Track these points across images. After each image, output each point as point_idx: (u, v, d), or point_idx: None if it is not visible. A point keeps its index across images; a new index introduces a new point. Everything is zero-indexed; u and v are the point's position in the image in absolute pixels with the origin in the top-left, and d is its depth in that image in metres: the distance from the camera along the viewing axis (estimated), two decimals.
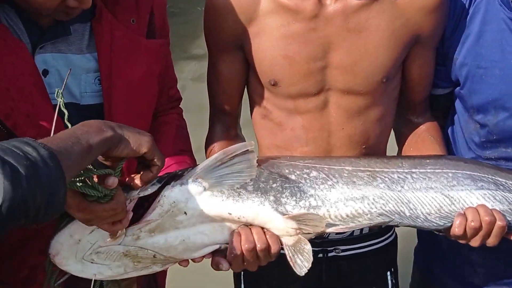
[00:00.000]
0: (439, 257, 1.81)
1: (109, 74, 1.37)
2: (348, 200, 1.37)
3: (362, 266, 1.74)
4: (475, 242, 1.35)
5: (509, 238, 1.37)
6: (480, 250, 1.58)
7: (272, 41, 1.50)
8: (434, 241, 1.81)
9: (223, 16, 1.51)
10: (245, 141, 1.68)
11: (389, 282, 1.78)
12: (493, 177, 1.41)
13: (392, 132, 1.74)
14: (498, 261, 1.67)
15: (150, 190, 1.27)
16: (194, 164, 1.49)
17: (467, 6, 1.53)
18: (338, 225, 1.36)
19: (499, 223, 1.31)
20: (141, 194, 1.25)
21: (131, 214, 1.25)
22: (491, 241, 1.34)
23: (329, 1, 1.45)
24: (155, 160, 1.19)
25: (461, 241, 1.37)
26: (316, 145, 1.59)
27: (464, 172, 1.41)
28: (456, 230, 1.33)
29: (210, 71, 1.66)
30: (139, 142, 1.16)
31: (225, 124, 1.69)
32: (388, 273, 1.77)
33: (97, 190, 1.09)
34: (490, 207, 1.34)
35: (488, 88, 1.52)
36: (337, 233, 1.63)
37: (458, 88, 1.60)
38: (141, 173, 1.22)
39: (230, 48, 1.56)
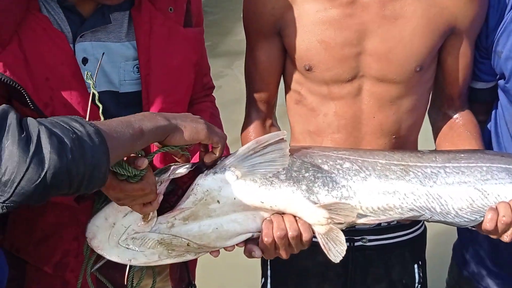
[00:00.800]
0: (478, 254, 1.80)
1: (148, 62, 1.39)
2: (380, 193, 1.37)
3: (389, 257, 1.75)
4: (506, 238, 1.33)
5: None
6: None
7: (309, 26, 1.52)
8: (474, 238, 1.77)
9: (263, 2, 1.55)
10: (279, 130, 1.70)
11: (416, 275, 1.78)
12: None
13: (426, 125, 1.74)
14: None
15: (179, 173, 1.29)
16: (226, 151, 1.51)
17: None
18: (369, 216, 1.37)
19: None
20: (172, 177, 1.28)
21: (161, 197, 1.27)
22: None
23: None
24: (215, 142, 1.23)
25: (492, 236, 1.36)
26: (347, 132, 1.61)
27: (499, 165, 1.39)
28: (488, 225, 1.32)
29: (248, 59, 1.69)
30: (195, 130, 1.20)
31: (261, 113, 1.72)
32: (416, 266, 1.78)
33: (126, 170, 1.13)
34: None
35: None
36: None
37: (503, 82, 1.58)
38: (205, 155, 1.26)
39: (269, 34, 1.58)
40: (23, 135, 0.93)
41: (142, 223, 1.31)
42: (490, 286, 1.83)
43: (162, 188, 1.29)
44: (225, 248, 1.39)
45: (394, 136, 1.62)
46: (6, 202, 0.93)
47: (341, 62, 1.54)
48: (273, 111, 1.77)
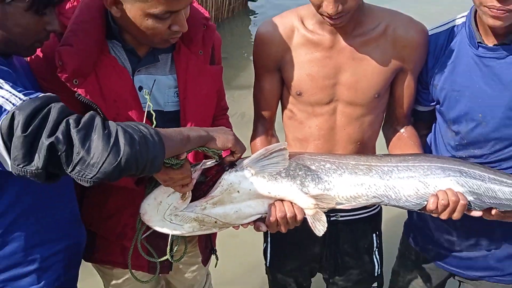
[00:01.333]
0: (421, 230, 2.04)
1: (185, 90, 1.62)
2: (351, 185, 1.58)
3: (355, 228, 2.00)
4: (444, 216, 1.55)
5: (469, 214, 1.58)
6: (453, 226, 1.86)
7: (300, 64, 1.77)
8: (419, 218, 2.04)
9: (268, 46, 1.80)
10: (278, 139, 1.95)
11: (374, 242, 2.05)
12: (459, 167, 1.59)
13: (382, 136, 1.98)
14: (466, 232, 1.89)
15: (208, 165, 1.50)
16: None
17: (444, 46, 1.75)
18: (344, 203, 1.58)
19: (461, 202, 1.52)
20: (203, 167, 1.49)
21: (194, 181, 1.47)
22: (456, 216, 1.55)
23: (341, 38, 1.72)
24: (237, 150, 1.47)
25: (433, 215, 1.58)
26: (325, 139, 1.85)
27: (436, 164, 1.60)
28: (431, 206, 1.53)
29: (256, 87, 1.92)
30: (226, 140, 1.43)
31: (264, 127, 1.96)
32: (374, 235, 2.05)
33: (171, 160, 1.33)
34: (455, 190, 1.54)
35: (460, 105, 1.73)
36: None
37: (438, 106, 1.82)
38: (225, 156, 1.51)
39: (272, 69, 1.84)
40: (105, 132, 1.10)
41: (181, 201, 1.49)
42: (427, 252, 2.05)
43: (195, 175, 1.49)
44: (242, 225, 1.58)
45: (358, 143, 1.86)
46: (93, 178, 1.08)
47: (322, 90, 1.78)
48: (273, 126, 2.00)
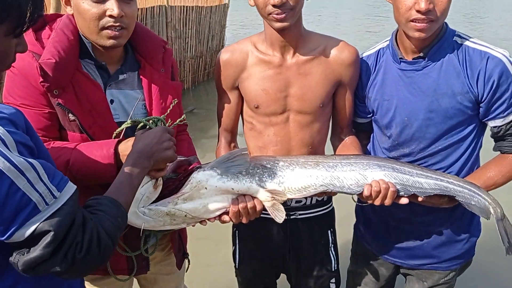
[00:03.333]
0: (369, 226, 2.21)
1: (151, 102, 1.74)
2: (302, 177, 1.72)
3: (312, 225, 2.14)
4: (377, 202, 1.71)
5: (398, 202, 1.73)
6: (395, 219, 2.03)
7: (255, 81, 1.95)
8: (365, 216, 2.22)
9: (227, 68, 1.98)
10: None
11: (330, 238, 2.20)
12: (392, 165, 1.77)
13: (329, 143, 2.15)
14: (406, 224, 2.04)
15: (179, 159, 1.64)
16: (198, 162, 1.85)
17: (374, 64, 1.98)
18: (296, 193, 1.70)
19: (391, 189, 1.69)
20: (176, 160, 1.63)
21: (168, 168, 1.62)
22: (387, 202, 1.71)
23: (288, 57, 1.92)
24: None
25: (368, 201, 1.73)
26: (282, 145, 2.02)
27: (374, 162, 1.78)
28: (365, 192, 1.70)
29: (218, 104, 2.09)
30: (165, 159, 1.54)
31: (227, 139, 2.14)
32: (329, 231, 2.20)
33: None
34: (387, 180, 1.71)
35: (390, 112, 1.92)
36: (296, 201, 2.01)
37: (373, 115, 2.02)
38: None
39: (231, 88, 2.02)
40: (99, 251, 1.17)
41: (153, 189, 1.56)
42: (374, 248, 2.19)
43: (169, 167, 1.63)
44: (209, 219, 1.68)
45: (310, 147, 2.03)
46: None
47: (276, 102, 1.95)
48: (235, 138, 2.18)
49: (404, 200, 1.74)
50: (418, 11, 1.71)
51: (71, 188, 1.16)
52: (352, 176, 1.75)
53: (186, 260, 2.06)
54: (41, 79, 1.55)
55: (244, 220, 1.70)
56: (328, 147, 2.17)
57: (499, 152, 1.92)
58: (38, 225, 1.07)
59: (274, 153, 2.02)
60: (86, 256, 1.13)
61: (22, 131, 1.13)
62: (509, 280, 3.53)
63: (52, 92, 1.57)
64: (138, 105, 1.74)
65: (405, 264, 2.15)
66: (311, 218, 2.13)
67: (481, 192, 1.82)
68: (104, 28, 1.59)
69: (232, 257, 2.29)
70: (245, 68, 1.98)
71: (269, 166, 1.74)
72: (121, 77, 1.72)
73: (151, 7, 7.37)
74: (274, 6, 1.76)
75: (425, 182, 1.78)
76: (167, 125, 1.67)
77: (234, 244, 2.26)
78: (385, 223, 2.12)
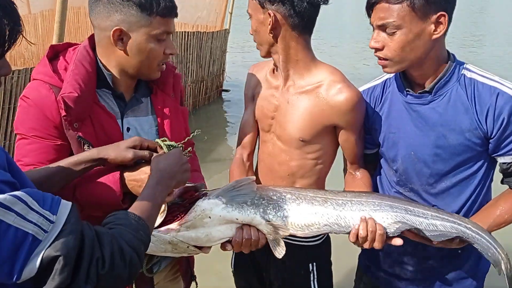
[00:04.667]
0: (373, 261, 2.16)
1: (163, 127, 1.81)
2: (307, 214, 1.70)
3: (294, 253, 2.02)
4: (365, 245, 1.69)
5: (391, 243, 1.70)
6: (403, 254, 1.99)
7: (260, 96, 2.10)
8: (371, 250, 2.04)
9: (249, 81, 2.17)
10: (253, 170, 2.20)
11: (311, 271, 2.14)
12: (405, 206, 1.76)
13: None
14: (413, 260, 2.01)
15: (188, 186, 1.65)
16: (203, 179, 1.93)
17: (380, 95, 1.96)
18: (298, 231, 1.70)
19: (379, 232, 1.65)
20: (182, 187, 1.63)
21: (174, 194, 1.62)
22: (376, 245, 1.67)
23: (288, 83, 1.98)
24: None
25: (358, 246, 1.72)
26: (266, 162, 2.13)
27: (386, 202, 1.75)
28: (351, 238, 1.70)
29: (243, 117, 2.20)
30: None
31: (242, 156, 2.19)
32: (311, 264, 2.14)
33: None
34: (385, 221, 1.68)
35: (397, 145, 1.90)
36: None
37: (380, 148, 1.99)
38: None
39: (249, 100, 2.17)
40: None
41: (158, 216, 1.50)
42: (379, 280, 2.15)
43: (176, 192, 1.63)
44: (209, 247, 1.67)
45: (288, 174, 2.04)
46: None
47: (265, 120, 2.07)
48: (251, 155, 2.21)
49: (398, 241, 1.70)
50: (371, 48, 1.75)
51: (66, 206, 1.11)
52: (359, 216, 1.71)
53: (194, 283, 2.07)
54: (64, 113, 1.58)
55: (245, 251, 1.70)
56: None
57: (507, 186, 1.90)
58: (43, 255, 1.03)
59: (263, 165, 2.12)
60: (111, 272, 1.09)
61: (3, 169, 1.08)
62: None
63: (72, 125, 1.60)
64: (151, 131, 1.80)
65: None
66: (294, 245, 2.07)
67: (497, 246, 1.79)
68: (163, 63, 1.74)
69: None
70: (260, 84, 2.11)
71: (275, 198, 1.72)
72: (136, 104, 1.78)
73: None
74: None
75: (441, 224, 1.74)
76: (183, 152, 1.67)
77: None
78: (393, 256, 2.09)
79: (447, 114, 1.80)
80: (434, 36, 1.72)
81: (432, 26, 1.70)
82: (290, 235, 1.74)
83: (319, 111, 1.92)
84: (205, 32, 8.90)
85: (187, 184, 1.66)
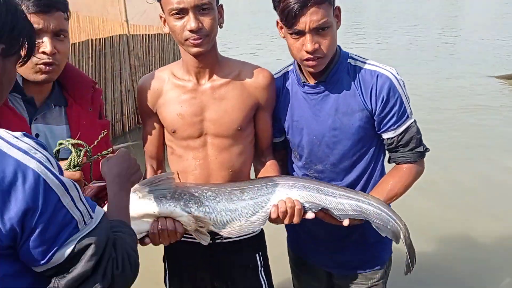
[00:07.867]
0: (299, 239, 2.32)
1: (78, 139, 1.67)
2: (227, 211, 1.75)
3: (239, 249, 2.11)
4: (286, 221, 1.78)
5: (306, 218, 1.80)
6: (318, 234, 2.13)
7: (171, 106, 1.97)
8: (294, 230, 2.30)
9: (145, 94, 2.02)
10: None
11: (259, 262, 2.16)
12: (316, 186, 1.87)
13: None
14: (327, 238, 2.16)
15: (100, 184, 1.61)
16: None
17: (281, 87, 2.07)
18: (220, 228, 1.74)
19: (297, 207, 1.76)
20: (96, 185, 1.62)
21: (92, 192, 1.60)
22: (295, 220, 1.77)
23: (203, 81, 1.95)
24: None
25: (278, 223, 1.81)
26: (201, 170, 2.02)
27: (299, 183, 1.86)
28: (272, 215, 1.79)
29: (143, 132, 2.10)
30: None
31: (153, 166, 2.14)
32: (257, 255, 2.16)
33: (73, 164, 1.54)
34: (301, 199, 1.78)
35: (301, 133, 2.03)
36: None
37: (286, 135, 2.11)
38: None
39: (150, 113, 2.04)
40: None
41: None
42: (308, 258, 2.30)
43: (91, 192, 1.61)
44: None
45: (231, 170, 2.02)
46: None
47: (191, 126, 1.96)
48: (162, 165, 2.18)
49: (310, 215, 1.81)
50: (307, 52, 1.84)
51: (100, 209, 1.20)
52: (277, 197, 1.80)
53: None
54: None
55: (164, 242, 1.73)
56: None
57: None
58: (77, 243, 1.08)
59: (194, 177, 2.03)
60: (123, 273, 1.15)
61: None
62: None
63: None
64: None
65: (335, 271, 2.28)
66: (236, 242, 2.10)
67: (395, 217, 1.92)
68: (37, 63, 1.63)
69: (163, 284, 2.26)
70: (161, 94, 2.01)
71: (196, 194, 1.76)
72: (47, 109, 1.73)
73: (110, 36, 7.28)
74: (191, 31, 1.82)
75: (347, 203, 1.87)
76: (92, 156, 1.68)
77: (164, 270, 2.25)
78: (312, 236, 2.23)
79: (339, 99, 1.97)
80: (338, 28, 1.90)
81: (336, 19, 1.90)
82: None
83: (248, 95, 1.98)
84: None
85: (99, 183, 1.66)
